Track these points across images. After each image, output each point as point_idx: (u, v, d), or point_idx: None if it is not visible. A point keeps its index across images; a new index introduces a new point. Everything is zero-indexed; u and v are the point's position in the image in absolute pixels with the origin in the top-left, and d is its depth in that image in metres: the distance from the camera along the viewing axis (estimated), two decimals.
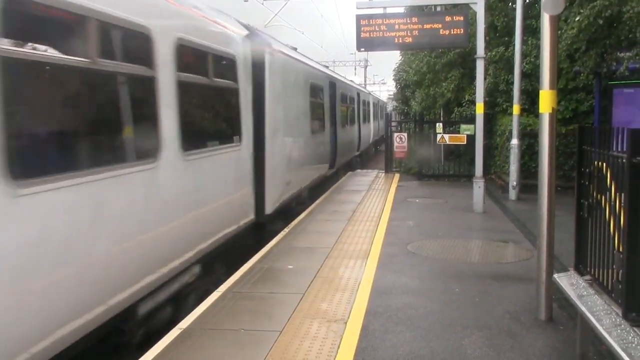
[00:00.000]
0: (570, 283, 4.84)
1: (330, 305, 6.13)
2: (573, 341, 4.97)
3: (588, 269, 4.83)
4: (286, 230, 10.00)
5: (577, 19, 11.38)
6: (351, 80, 26.98)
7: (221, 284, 6.84)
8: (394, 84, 36.92)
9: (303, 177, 12.02)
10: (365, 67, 64.53)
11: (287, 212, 10.87)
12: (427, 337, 5.29)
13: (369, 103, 30.75)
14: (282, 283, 6.97)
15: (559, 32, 12.60)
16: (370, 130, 30.66)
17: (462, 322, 5.67)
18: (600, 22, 11.09)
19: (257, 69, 9.14)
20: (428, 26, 12.08)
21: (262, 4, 23.67)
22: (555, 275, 5.20)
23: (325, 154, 15.53)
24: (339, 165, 18.08)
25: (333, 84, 17.50)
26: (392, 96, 54.40)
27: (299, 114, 11.74)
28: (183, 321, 5.66)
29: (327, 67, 21.88)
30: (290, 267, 7.67)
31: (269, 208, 9.43)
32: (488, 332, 5.41)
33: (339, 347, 5.04)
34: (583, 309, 4.25)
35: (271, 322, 5.64)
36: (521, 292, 6.61)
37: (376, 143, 36.72)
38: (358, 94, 24.96)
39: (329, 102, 16.63)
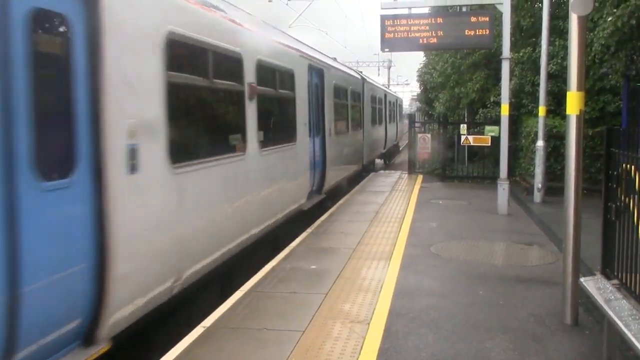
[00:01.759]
0: (597, 287, 4.78)
1: (353, 306, 6.13)
2: (599, 346, 4.90)
3: (615, 273, 4.77)
4: (309, 230, 10.02)
5: (609, 19, 11.19)
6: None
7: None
8: (418, 84, 36.66)
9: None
10: (389, 67, 64.39)
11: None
12: (451, 339, 5.26)
13: (359, 96, 18.77)
14: (304, 283, 6.98)
15: (591, 34, 12.44)
16: (362, 143, 18.75)
17: (485, 324, 5.63)
18: (633, 22, 10.90)
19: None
20: (453, 27, 12.02)
21: (287, 4, 23.74)
22: (582, 279, 5.14)
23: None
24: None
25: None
26: (416, 97, 54.11)
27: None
28: (206, 320, 5.70)
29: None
30: (313, 267, 7.68)
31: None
32: (512, 335, 5.36)
33: (361, 348, 5.04)
34: (610, 313, 4.20)
35: (294, 322, 5.66)
36: (546, 295, 6.53)
37: (389, 156, 29.81)
38: (321, 73, 12.78)
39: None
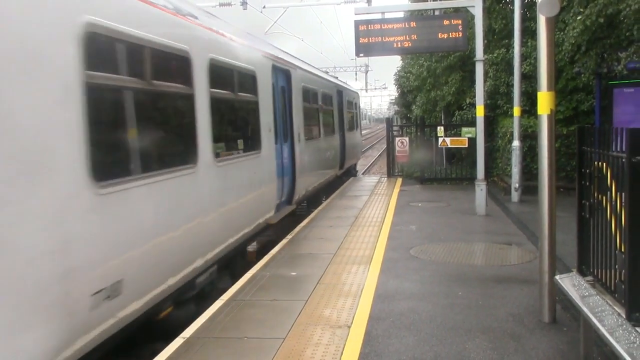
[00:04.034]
0: (572, 284, 4.83)
1: (334, 311, 6.12)
2: (577, 342, 4.95)
3: (590, 270, 4.82)
4: (289, 237, 10.00)
5: (579, 18, 11.35)
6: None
7: None
8: (395, 88, 36.76)
9: None
10: (366, 72, 64.68)
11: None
12: (431, 341, 5.28)
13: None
14: (285, 290, 6.96)
15: (561, 34, 12.60)
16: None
17: (465, 325, 5.66)
18: (602, 20, 11.07)
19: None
20: (427, 30, 12.10)
21: (261, 12, 23.73)
22: (557, 277, 5.19)
23: None
24: None
25: None
26: (394, 100, 54.40)
27: None
28: (186, 330, 5.65)
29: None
30: (294, 274, 7.66)
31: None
32: (491, 335, 5.40)
33: (342, 352, 5.04)
34: (585, 309, 4.24)
35: (275, 329, 5.64)
36: (524, 294, 6.59)
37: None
38: None
39: None
